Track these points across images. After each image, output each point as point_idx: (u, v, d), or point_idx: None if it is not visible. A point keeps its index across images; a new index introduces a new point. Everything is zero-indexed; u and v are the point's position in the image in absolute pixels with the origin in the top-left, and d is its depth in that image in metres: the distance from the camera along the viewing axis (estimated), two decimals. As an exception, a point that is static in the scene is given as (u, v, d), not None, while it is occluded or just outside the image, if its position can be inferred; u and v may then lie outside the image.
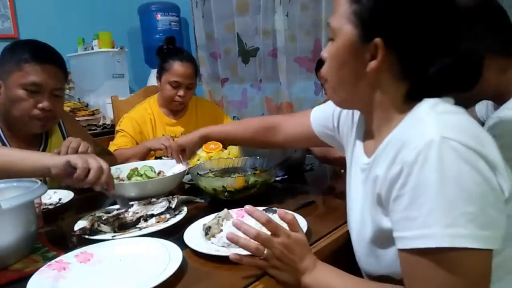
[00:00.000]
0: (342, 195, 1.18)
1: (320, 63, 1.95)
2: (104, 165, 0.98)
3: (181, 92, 1.92)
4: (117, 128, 1.97)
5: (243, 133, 1.23)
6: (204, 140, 1.30)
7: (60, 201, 1.23)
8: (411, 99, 0.68)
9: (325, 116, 1.01)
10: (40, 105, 1.29)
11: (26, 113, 1.29)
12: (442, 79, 0.66)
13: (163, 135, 1.91)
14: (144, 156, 1.68)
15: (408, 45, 0.65)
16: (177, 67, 1.90)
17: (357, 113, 0.86)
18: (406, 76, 0.68)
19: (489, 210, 0.56)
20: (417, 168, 0.57)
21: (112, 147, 1.85)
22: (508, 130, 0.84)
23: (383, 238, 0.69)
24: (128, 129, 1.91)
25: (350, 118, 0.90)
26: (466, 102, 1.00)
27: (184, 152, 1.32)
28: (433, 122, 0.60)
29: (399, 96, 0.69)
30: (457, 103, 0.97)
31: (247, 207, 0.77)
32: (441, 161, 0.56)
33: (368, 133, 0.79)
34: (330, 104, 0.95)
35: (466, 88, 0.69)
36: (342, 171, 1.40)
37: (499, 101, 0.93)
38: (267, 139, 1.18)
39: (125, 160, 1.69)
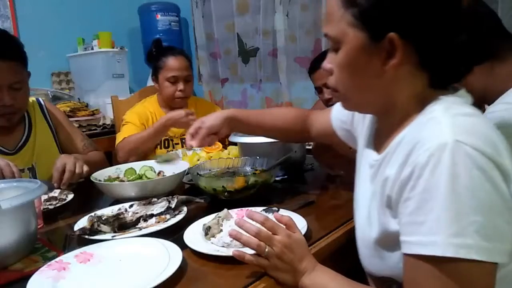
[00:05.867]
0: (341, 195, 1.19)
1: (313, 66, 1.89)
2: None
3: (180, 86, 1.92)
4: (122, 123, 1.92)
5: (281, 121, 1.15)
6: (229, 122, 1.12)
7: (60, 201, 1.22)
8: (434, 88, 0.66)
9: (344, 111, 1.00)
10: None
11: None
12: (464, 52, 0.64)
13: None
14: (161, 134, 1.72)
15: (422, 31, 0.62)
16: (172, 62, 1.92)
17: None
18: (426, 64, 0.66)
19: (497, 221, 0.54)
20: (428, 171, 0.55)
21: (119, 138, 1.81)
22: (498, 125, 0.84)
23: (389, 240, 0.67)
24: (135, 120, 1.89)
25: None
26: None
27: (209, 137, 1.12)
28: (448, 123, 0.58)
29: (419, 88, 0.67)
30: None
31: (246, 212, 0.78)
32: (454, 166, 0.54)
33: (380, 130, 0.78)
34: None
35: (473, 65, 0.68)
36: (333, 174, 1.41)
37: (490, 102, 0.94)
38: (304, 130, 1.15)
39: (135, 148, 1.69)
